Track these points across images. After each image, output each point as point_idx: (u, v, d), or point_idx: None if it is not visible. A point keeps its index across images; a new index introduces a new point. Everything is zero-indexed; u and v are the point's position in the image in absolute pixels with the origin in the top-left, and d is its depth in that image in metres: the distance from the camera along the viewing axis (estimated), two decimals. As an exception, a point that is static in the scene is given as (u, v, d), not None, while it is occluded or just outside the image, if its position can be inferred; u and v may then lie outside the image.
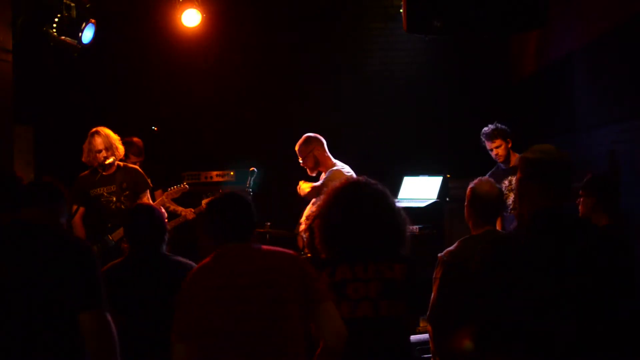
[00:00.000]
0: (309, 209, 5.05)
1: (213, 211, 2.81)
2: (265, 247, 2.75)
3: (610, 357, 2.15)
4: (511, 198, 5.40)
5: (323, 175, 5.24)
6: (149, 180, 5.52)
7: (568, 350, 2.13)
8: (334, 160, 5.23)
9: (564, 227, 2.26)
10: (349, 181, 2.91)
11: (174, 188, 5.62)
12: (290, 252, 2.73)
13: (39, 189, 2.72)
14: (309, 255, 3.33)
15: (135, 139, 6.26)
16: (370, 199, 2.82)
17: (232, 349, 2.51)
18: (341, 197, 2.83)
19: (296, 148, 5.24)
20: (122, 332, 2.62)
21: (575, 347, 2.13)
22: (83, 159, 5.27)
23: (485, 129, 5.55)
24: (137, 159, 6.15)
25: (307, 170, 5.27)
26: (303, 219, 5.13)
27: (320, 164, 5.21)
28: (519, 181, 2.36)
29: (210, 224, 2.81)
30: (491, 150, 5.50)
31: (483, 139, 5.55)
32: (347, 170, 5.14)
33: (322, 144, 5.24)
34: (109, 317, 2.50)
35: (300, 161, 5.25)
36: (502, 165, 5.55)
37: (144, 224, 3.33)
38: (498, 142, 5.47)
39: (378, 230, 2.78)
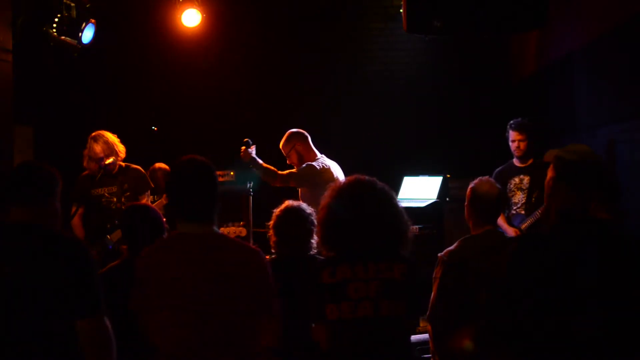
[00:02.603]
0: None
1: (171, 182, 2.59)
2: (227, 236, 2.61)
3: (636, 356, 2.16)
4: (518, 196, 5.37)
5: None
6: (151, 182, 5.52)
7: (594, 350, 2.14)
8: (318, 155, 5.16)
9: (587, 228, 2.26)
10: (353, 180, 2.89)
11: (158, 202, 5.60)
12: (255, 248, 2.63)
13: (29, 186, 2.54)
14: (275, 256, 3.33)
15: (162, 168, 6.14)
16: (373, 198, 2.81)
17: (185, 342, 2.45)
18: (344, 196, 2.83)
19: (280, 146, 5.19)
20: (121, 334, 2.60)
21: (602, 347, 2.14)
22: (84, 165, 5.26)
23: (517, 119, 5.43)
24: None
25: (294, 167, 5.20)
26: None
27: (304, 159, 5.12)
28: (551, 180, 2.36)
29: (169, 198, 2.62)
30: (514, 141, 5.37)
31: (509, 129, 5.42)
32: (321, 163, 5.05)
33: (305, 139, 5.17)
34: (107, 322, 2.45)
35: (286, 159, 5.20)
36: (516, 162, 5.49)
37: (141, 224, 3.31)
38: (525, 136, 5.39)
39: (380, 230, 2.78)
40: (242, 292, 2.49)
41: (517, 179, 5.40)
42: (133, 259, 3.29)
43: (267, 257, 2.84)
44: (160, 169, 6.19)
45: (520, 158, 5.41)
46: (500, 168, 5.49)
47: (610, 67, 5.14)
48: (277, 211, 3.48)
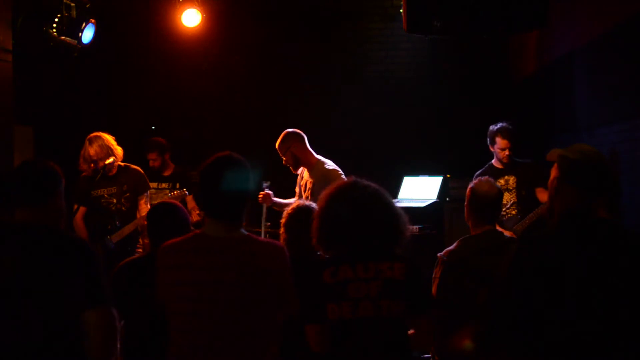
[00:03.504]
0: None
1: (200, 177, 2.55)
2: (253, 236, 2.54)
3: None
4: (506, 197, 5.35)
5: (300, 170, 5.16)
6: (149, 182, 5.52)
7: (597, 350, 2.14)
8: (316, 156, 5.09)
9: (593, 229, 2.26)
10: (350, 182, 2.90)
11: (174, 193, 5.60)
12: (277, 245, 2.56)
13: (31, 186, 2.53)
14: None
15: (159, 140, 6.28)
16: (372, 199, 2.82)
17: (200, 341, 2.43)
18: (345, 196, 2.83)
19: (276, 146, 5.14)
20: (140, 327, 2.57)
21: (605, 347, 2.14)
22: (80, 165, 5.24)
23: (502, 125, 5.39)
24: (157, 157, 6.17)
25: (290, 168, 5.16)
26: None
27: (300, 161, 5.07)
28: (555, 180, 2.35)
29: (199, 194, 2.58)
30: (503, 149, 5.35)
31: (495, 136, 5.38)
32: (329, 165, 5.03)
33: (302, 139, 5.09)
34: (114, 312, 2.45)
35: (283, 159, 5.17)
36: (496, 164, 5.49)
37: (168, 222, 3.25)
38: (512, 143, 5.34)
39: (380, 230, 2.78)
40: (252, 303, 2.44)
41: (502, 181, 5.38)
42: (154, 254, 3.27)
43: None
44: (155, 141, 6.22)
45: (507, 163, 5.41)
46: (480, 172, 5.42)
47: (610, 67, 5.13)
48: (289, 210, 3.49)
